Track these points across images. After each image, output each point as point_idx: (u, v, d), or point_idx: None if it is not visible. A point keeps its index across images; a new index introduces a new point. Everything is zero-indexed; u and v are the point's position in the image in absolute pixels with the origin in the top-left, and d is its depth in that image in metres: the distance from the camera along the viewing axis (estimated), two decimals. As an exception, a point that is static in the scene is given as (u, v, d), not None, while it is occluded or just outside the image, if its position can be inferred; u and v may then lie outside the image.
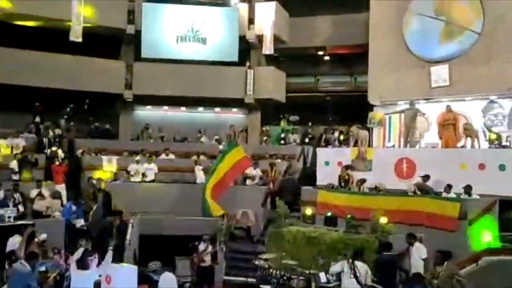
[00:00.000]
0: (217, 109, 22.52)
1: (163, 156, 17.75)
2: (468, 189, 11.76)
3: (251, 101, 20.96)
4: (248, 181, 16.16)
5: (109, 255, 7.22)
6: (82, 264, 7.65)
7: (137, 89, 20.42)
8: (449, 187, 12.08)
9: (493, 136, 14.14)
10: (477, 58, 15.60)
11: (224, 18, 21.10)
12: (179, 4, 20.88)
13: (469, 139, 14.08)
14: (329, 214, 12.65)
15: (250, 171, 16.02)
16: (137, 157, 16.54)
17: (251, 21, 21.02)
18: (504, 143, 13.92)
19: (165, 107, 22.21)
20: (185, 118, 22.25)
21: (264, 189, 15.44)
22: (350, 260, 8.57)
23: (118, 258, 10.16)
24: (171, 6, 20.83)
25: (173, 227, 12.94)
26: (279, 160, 18.18)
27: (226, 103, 21.58)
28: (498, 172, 12.43)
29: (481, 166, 12.68)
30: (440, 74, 16.42)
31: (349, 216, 11.33)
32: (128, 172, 16.11)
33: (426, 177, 12.75)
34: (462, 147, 14.22)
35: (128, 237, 12.04)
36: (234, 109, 22.49)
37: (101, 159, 17.18)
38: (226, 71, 20.98)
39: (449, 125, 14.54)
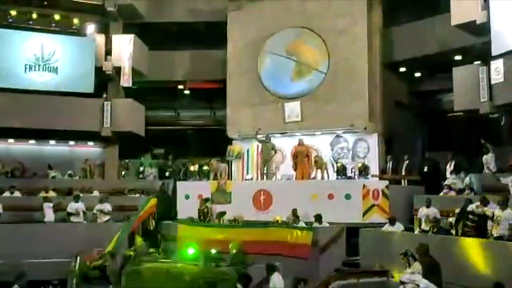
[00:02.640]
0: (71, 142, 21.29)
1: (7, 194, 16.14)
2: (318, 217, 12.53)
3: (108, 134, 20.05)
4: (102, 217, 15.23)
5: None
6: None
7: (-24, 120, 18.41)
8: (297, 218, 12.72)
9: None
10: (324, 96, 16.96)
11: (78, 48, 20.07)
12: (26, 31, 19.49)
13: (319, 170, 15.12)
14: (189, 248, 12.46)
15: (104, 206, 15.14)
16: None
17: (108, 52, 20.36)
18: (349, 174, 15.20)
19: (11, 140, 20.38)
20: (33, 152, 20.62)
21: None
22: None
23: None
24: (18, 32, 19.27)
25: (17, 273, 11.66)
26: (138, 195, 17.61)
27: (81, 136, 20.43)
28: (345, 201, 13.49)
29: (330, 196, 13.65)
30: (293, 110, 17.51)
31: (213, 250, 11.29)
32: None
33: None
34: (313, 178, 15.19)
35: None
36: (90, 143, 21.43)
37: None
38: (81, 103, 19.88)
39: (302, 158, 15.49)
